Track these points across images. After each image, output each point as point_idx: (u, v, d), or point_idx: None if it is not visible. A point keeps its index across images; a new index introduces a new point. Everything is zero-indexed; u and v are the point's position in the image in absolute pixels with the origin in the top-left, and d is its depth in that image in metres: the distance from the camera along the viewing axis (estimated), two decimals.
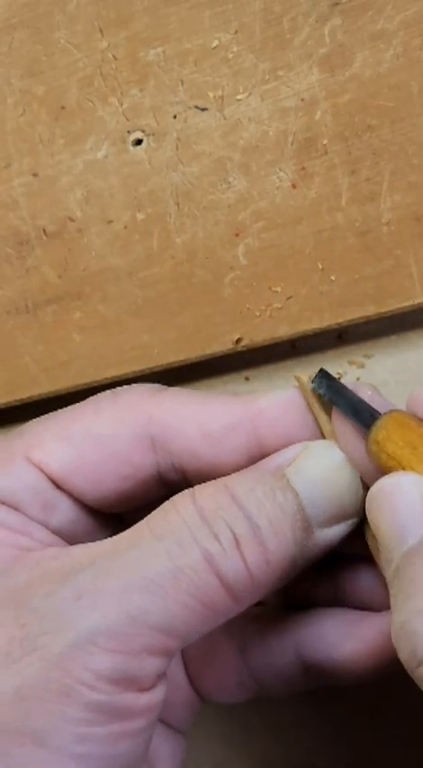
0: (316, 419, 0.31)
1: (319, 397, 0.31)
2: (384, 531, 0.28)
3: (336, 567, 0.34)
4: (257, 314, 0.38)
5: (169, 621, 0.28)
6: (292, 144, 0.37)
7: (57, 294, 0.40)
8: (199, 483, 0.31)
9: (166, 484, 0.33)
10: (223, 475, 0.31)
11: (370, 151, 0.36)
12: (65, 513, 0.33)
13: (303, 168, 0.37)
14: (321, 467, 0.30)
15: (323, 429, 0.31)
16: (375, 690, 0.40)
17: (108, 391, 0.34)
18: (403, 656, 0.26)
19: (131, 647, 0.27)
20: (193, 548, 0.28)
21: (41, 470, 0.32)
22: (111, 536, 0.31)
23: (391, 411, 0.30)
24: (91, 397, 0.34)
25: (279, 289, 0.38)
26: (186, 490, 0.30)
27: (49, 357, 0.40)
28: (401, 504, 0.27)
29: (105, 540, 0.30)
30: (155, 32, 0.38)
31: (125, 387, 0.34)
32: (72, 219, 0.39)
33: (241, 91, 0.37)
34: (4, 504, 0.32)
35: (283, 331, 0.38)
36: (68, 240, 0.39)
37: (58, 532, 0.33)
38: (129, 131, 0.39)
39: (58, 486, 0.32)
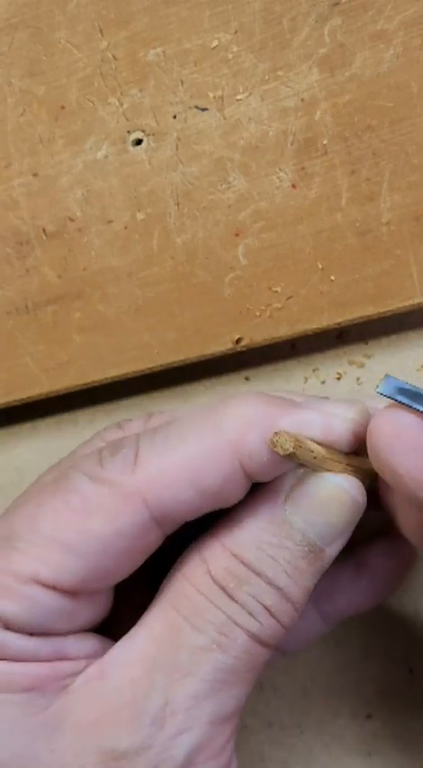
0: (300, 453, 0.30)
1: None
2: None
3: None
4: (257, 314, 0.38)
5: (238, 704, 0.30)
6: (292, 144, 0.37)
7: (57, 294, 0.40)
8: (194, 517, 0.31)
9: (164, 533, 0.32)
10: (218, 507, 0.31)
11: (370, 151, 0.36)
12: (87, 612, 0.31)
13: (303, 168, 0.37)
14: (320, 498, 0.30)
15: (307, 463, 0.30)
16: (374, 690, 0.40)
17: (80, 468, 0.31)
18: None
19: (218, 747, 0.30)
20: (237, 632, 0.29)
21: (56, 589, 0.30)
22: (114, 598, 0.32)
23: None
24: (64, 481, 0.31)
25: (279, 289, 0.38)
26: (193, 556, 0.30)
27: (49, 357, 0.40)
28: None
29: (136, 635, 0.30)
30: (155, 32, 0.38)
31: (96, 461, 0.31)
32: (72, 219, 0.39)
33: (241, 91, 0.37)
34: (32, 634, 0.30)
35: (283, 331, 0.38)
36: (68, 240, 0.39)
37: (83, 627, 0.31)
38: (129, 131, 0.39)
39: (74, 594, 0.30)
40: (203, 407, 0.31)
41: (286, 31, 0.36)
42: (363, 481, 0.31)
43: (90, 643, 0.31)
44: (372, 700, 0.41)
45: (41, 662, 0.30)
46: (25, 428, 0.43)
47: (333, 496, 0.30)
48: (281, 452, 0.28)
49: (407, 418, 0.28)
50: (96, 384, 0.40)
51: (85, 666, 0.30)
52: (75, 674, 0.30)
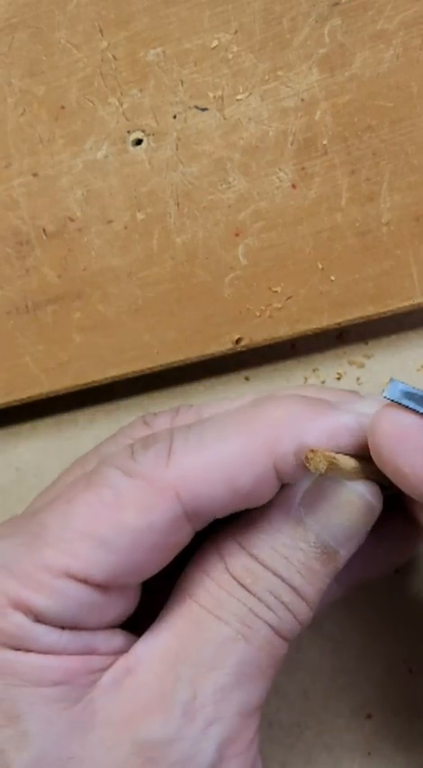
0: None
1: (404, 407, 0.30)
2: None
3: None
4: (257, 314, 0.38)
5: (262, 697, 0.31)
6: (292, 144, 0.37)
7: (57, 294, 0.40)
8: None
9: (194, 530, 0.32)
10: (249, 506, 0.31)
11: (370, 151, 0.36)
12: (117, 607, 0.31)
13: (303, 168, 0.37)
14: (335, 499, 0.31)
15: (343, 477, 0.30)
16: (374, 690, 0.40)
17: (113, 463, 0.31)
18: None
19: (247, 740, 0.30)
20: (260, 623, 0.30)
21: (87, 582, 0.30)
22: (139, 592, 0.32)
23: None
24: (96, 476, 0.31)
25: (279, 289, 0.38)
26: (211, 553, 0.31)
27: (49, 357, 0.40)
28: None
29: (160, 630, 0.30)
30: (155, 32, 0.38)
31: (129, 454, 0.31)
32: (72, 219, 0.39)
33: (241, 91, 0.37)
34: (64, 628, 0.30)
35: (283, 331, 0.38)
36: (68, 240, 0.39)
37: (113, 622, 0.31)
38: (129, 131, 0.39)
39: (105, 589, 0.30)
40: (236, 407, 0.32)
41: (286, 31, 0.36)
42: (382, 481, 0.31)
43: (118, 639, 0.31)
44: (372, 700, 0.41)
45: (72, 655, 0.30)
46: (25, 428, 0.43)
47: (348, 500, 0.30)
48: (313, 471, 0.29)
49: (408, 418, 0.28)
50: (96, 384, 0.40)
51: (113, 662, 0.30)
52: (103, 669, 0.30)
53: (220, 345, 0.38)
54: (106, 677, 0.30)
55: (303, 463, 0.29)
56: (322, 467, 0.29)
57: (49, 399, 0.41)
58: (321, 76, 0.36)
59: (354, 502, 0.31)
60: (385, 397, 0.28)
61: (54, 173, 0.39)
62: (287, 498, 0.31)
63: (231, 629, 0.30)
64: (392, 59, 0.36)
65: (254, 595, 0.30)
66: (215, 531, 0.32)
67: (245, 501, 0.30)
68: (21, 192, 0.40)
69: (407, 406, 0.28)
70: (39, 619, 0.29)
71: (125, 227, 0.39)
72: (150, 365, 0.39)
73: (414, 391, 0.28)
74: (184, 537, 0.31)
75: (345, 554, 0.31)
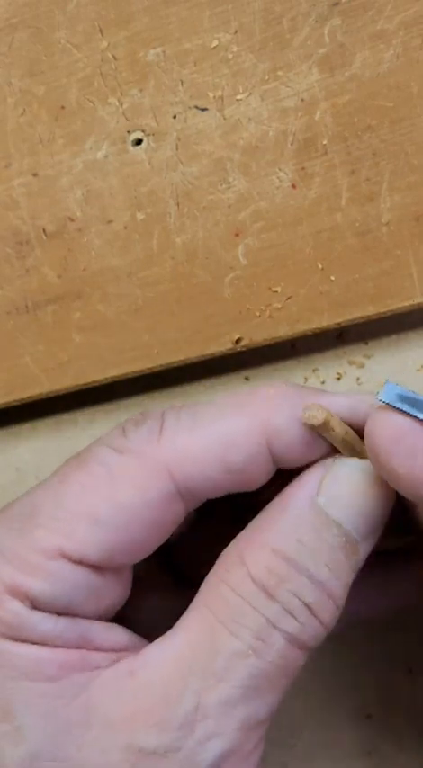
0: (330, 438, 0.31)
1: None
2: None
3: None
4: (257, 314, 0.38)
5: (269, 711, 0.29)
6: (292, 144, 0.37)
7: (57, 294, 0.40)
8: (217, 496, 0.31)
9: (187, 510, 0.32)
10: (243, 489, 0.31)
11: (370, 151, 0.36)
12: (112, 591, 0.31)
13: (303, 168, 0.37)
14: (353, 488, 0.30)
15: (337, 443, 0.31)
16: (374, 690, 0.40)
17: (105, 442, 0.31)
18: None
19: (247, 752, 0.29)
20: (275, 636, 0.29)
21: (82, 563, 0.29)
22: (138, 581, 0.32)
23: None
24: (87, 455, 0.31)
25: (279, 289, 0.38)
26: (232, 557, 0.30)
27: (49, 357, 0.40)
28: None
29: (173, 637, 0.30)
30: (155, 32, 0.38)
31: (121, 432, 0.31)
32: (72, 219, 0.39)
33: (241, 91, 0.37)
34: (60, 614, 0.29)
35: (283, 331, 0.38)
36: (68, 240, 0.39)
37: (110, 611, 0.31)
38: (129, 131, 0.39)
39: (100, 570, 0.30)
40: (228, 395, 0.32)
41: (286, 31, 0.36)
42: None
43: (117, 633, 0.31)
44: (372, 700, 0.41)
45: (69, 648, 0.29)
46: (25, 428, 0.43)
47: (365, 483, 0.30)
48: (314, 422, 0.29)
49: (403, 421, 0.28)
50: (96, 384, 0.40)
51: (115, 660, 0.30)
52: (103, 667, 0.30)
53: (220, 345, 0.38)
54: (107, 674, 0.29)
55: (300, 429, 0.29)
56: (320, 416, 0.29)
57: (49, 399, 0.41)
58: (321, 76, 0.36)
59: (370, 484, 0.30)
60: (380, 400, 0.29)
61: (54, 173, 0.39)
62: (304, 490, 0.30)
63: (243, 644, 0.29)
64: (392, 59, 0.36)
65: (276, 601, 0.29)
66: (237, 534, 0.31)
67: (238, 480, 0.30)
68: (21, 191, 0.40)
69: (401, 410, 0.28)
70: (35, 605, 0.29)
71: (125, 227, 0.39)
72: (150, 365, 0.39)
73: (409, 394, 0.28)
74: (177, 515, 0.30)
75: (364, 549, 0.30)
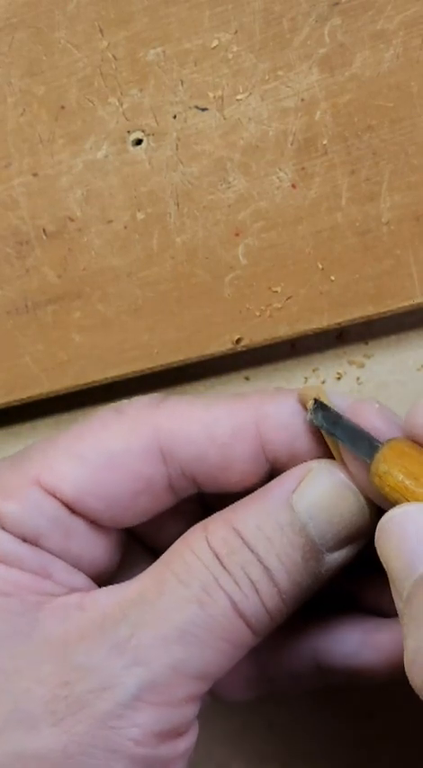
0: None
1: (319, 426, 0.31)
2: (394, 562, 0.27)
3: (349, 571, 0.34)
4: (257, 314, 0.38)
5: (206, 668, 0.30)
6: (292, 144, 0.37)
7: (56, 294, 0.40)
8: (208, 488, 0.32)
9: (175, 492, 0.33)
10: (232, 480, 0.32)
11: (370, 151, 0.36)
12: (82, 537, 0.32)
13: (303, 168, 0.37)
14: (326, 492, 0.30)
15: (329, 442, 0.31)
16: (374, 691, 0.40)
17: (111, 407, 0.33)
18: (417, 683, 0.26)
19: (174, 699, 0.29)
20: (220, 594, 0.30)
21: (55, 496, 0.31)
22: (124, 552, 0.33)
23: (390, 441, 0.29)
24: (94, 414, 0.33)
25: (279, 289, 0.38)
26: (197, 527, 0.31)
27: (49, 357, 0.40)
28: (410, 532, 0.27)
29: (128, 585, 0.31)
30: (155, 32, 0.38)
31: (128, 401, 0.33)
32: (72, 219, 0.39)
33: (241, 91, 0.37)
34: (25, 540, 0.31)
35: (283, 331, 0.38)
36: (68, 240, 0.39)
37: (77, 559, 0.32)
38: (129, 131, 0.39)
39: (73, 510, 0.32)
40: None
41: (286, 31, 0.36)
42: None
43: (78, 577, 0.32)
44: (372, 699, 0.41)
45: (25, 571, 0.31)
46: (25, 428, 0.43)
47: (339, 492, 0.30)
48: (308, 401, 0.30)
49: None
50: (96, 384, 0.40)
51: (68, 593, 0.31)
52: (54, 596, 0.31)
53: (220, 345, 0.39)
54: (56, 603, 0.31)
55: (291, 413, 0.31)
56: (314, 392, 0.30)
57: (49, 399, 0.41)
58: (321, 76, 0.36)
59: (344, 494, 0.30)
60: (310, 421, 0.30)
61: (54, 173, 0.39)
62: (283, 486, 0.31)
63: (189, 592, 0.30)
64: (392, 59, 0.36)
65: (224, 567, 0.30)
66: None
67: (221, 455, 0.31)
68: (21, 191, 0.40)
69: (328, 430, 0.30)
70: (3, 525, 0.31)
71: (125, 227, 0.39)
72: (150, 365, 0.39)
73: (333, 415, 0.30)
74: (157, 478, 0.32)
75: (329, 561, 0.30)
